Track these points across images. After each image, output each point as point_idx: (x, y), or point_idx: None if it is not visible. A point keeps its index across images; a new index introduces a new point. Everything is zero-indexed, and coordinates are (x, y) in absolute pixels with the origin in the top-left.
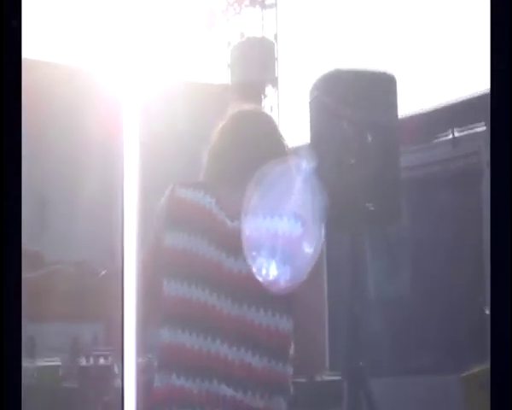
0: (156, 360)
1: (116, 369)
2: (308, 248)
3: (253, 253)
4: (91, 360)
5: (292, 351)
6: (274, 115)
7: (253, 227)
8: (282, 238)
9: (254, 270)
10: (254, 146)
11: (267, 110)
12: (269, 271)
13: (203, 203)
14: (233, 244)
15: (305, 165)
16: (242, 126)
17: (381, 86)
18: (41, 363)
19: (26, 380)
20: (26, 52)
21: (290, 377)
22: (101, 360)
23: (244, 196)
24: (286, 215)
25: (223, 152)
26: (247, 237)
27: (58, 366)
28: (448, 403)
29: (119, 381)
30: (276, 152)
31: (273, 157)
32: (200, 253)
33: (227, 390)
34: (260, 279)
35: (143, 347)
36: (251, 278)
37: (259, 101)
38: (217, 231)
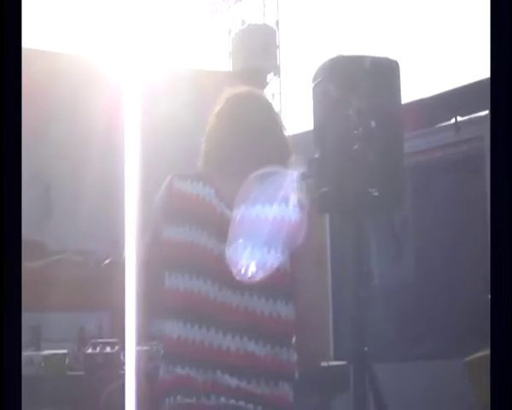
0: (162, 350)
1: (122, 357)
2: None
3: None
4: (98, 349)
5: (295, 338)
6: (276, 102)
7: (244, 217)
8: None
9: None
10: (250, 129)
11: (261, 92)
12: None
13: (202, 195)
14: (233, 234)
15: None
16: (237, 110)
17: (383, 72)
18: (47, 352)
19: (32, 369)
20: (26, 42)
21: (294, 364)
22: (108, 349)
23: (242, 186)
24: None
25: (218, 137)
26: (237, 226)
27: (65, 355)
28: (452, 387)
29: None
30: (272, 133)
31: (269, 138)
32: (200, 244)
33: (231, 380)
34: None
35: (147, 336)
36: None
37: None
38: (217, 222)
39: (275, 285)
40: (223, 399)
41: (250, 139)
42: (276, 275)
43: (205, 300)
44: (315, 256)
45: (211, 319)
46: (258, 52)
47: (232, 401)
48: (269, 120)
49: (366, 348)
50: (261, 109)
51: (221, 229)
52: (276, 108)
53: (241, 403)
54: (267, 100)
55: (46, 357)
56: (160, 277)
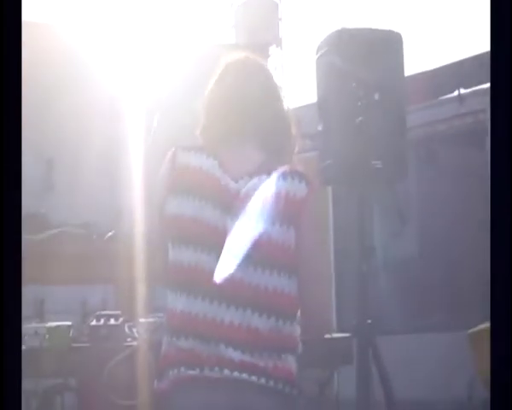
0: (165, 323)
1: (127, 329)
2: None
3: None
4: (102, 321)
5: (299, 311)
6: (278, 75)
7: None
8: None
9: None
10: (251, 99)
11: (260, 59)
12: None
13: (206, 167)
14: (238, 207)
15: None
16: (236, 78)
17: (387, 44)
18: (52, 324)
19: (37, 341)
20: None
21: (298, 337)
22: (112, 321)
23: (245, 155)
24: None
25: (219, 108)
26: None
27: (69, 327)
28: (455, 359)
29: (130, 340)
30: (273, 103)
31: (270, 108)
32: (205, 217)
33: (234, 354)
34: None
35: (152, 308)
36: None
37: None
38: (221, 194)
39: (279, 259)
40: (226, 371)
41: (251, 110)
42: (281, 249)
43: (208, 273)
44: (318, 230)
45: (214, 293)
46: (260, 25)
47: (236, 374)
48: (269, 89)
49: (369, 321)
50: (261, 77)
51: (225, 201)
52: (278, 80)
53: (245, 376)
54: (267, 68)
55: (50, 329)
56: (164, 249)
